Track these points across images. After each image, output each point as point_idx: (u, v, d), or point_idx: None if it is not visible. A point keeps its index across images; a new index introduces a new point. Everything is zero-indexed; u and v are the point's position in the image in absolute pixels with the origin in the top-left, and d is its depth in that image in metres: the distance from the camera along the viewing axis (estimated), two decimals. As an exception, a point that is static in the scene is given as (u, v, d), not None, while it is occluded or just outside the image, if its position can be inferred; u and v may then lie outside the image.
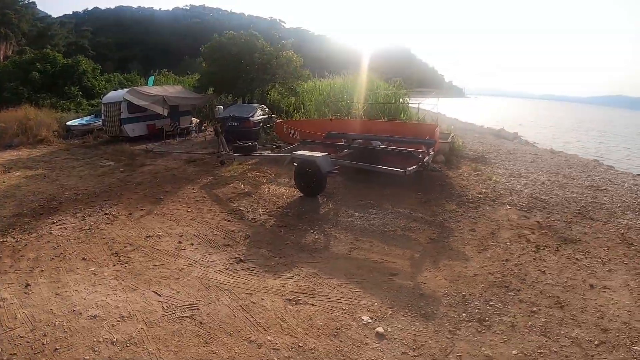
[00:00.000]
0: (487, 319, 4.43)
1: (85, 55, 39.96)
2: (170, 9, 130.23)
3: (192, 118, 21.11)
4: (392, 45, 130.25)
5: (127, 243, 6.90)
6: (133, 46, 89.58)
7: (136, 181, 10.98)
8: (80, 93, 28.07)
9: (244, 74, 20.16)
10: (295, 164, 9.15)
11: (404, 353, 3.93)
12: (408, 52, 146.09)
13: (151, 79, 25.02)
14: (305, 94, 20.48)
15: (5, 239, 7.19)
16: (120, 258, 6.34)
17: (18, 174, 12.34)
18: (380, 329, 4.27)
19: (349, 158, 9.78)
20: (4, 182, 11.30)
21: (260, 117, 17.29)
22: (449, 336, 4.16)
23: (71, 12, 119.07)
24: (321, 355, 3.97)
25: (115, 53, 79.80)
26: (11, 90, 27.01)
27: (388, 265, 5.79)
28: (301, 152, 9.33)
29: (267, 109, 19.02)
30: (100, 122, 19.35)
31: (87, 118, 21.40)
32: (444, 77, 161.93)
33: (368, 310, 4.65)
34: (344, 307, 4.74)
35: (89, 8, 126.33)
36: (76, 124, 20.52)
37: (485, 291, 4.98)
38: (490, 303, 4.72)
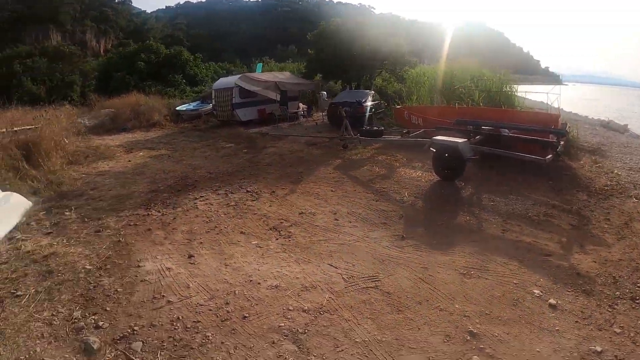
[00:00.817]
0: (638, 297, 4.87)
1: (182, 47, 42.74)
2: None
3: (299, 103, 21.68)
4: (486, 29, 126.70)
5: (282, 219, 7.12)
6: (225, 37, 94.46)
7: (265, 162, 11.43)
8: (184, 80, 30.00)
9: (355, 60, 20.41)
10: (433, 149, 9.18)
11: (576, 322, 4.41)
12: (502, 35, 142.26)
13: (259, 65, 26.34)
14: (410, 80, 20.25)
15: (150, 212, 7.68)
16: (281, 233, 6.55)
17: (141, 154, 13.43)
18: (552, 301, 4.73)
19: (480, 144, 9.72)
20: (129, 160, 12.30)
21: (371, 103, 17.41)
22: (609, 310, 4.63)
23: (164, 7, 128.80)
24: (508, 322, 4.39)
25: (209, 44, 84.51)
26: (118, 79, 29.66)
27: (541, 247, 6.15)
28: (441, 137, 9.39)
29: (375, 95, 19.17)
30: (210, 107, 20.46)
31: (194, 103, 22.82)
32: (540, 63, 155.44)
33: (536, 285, 5.08)
34: (515, 282, 5.16)
35: (181, 2, 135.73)
36: (184, 109, 21.92)
37: (631, 274, 5.40)
38: (638, 284, 5.15)
